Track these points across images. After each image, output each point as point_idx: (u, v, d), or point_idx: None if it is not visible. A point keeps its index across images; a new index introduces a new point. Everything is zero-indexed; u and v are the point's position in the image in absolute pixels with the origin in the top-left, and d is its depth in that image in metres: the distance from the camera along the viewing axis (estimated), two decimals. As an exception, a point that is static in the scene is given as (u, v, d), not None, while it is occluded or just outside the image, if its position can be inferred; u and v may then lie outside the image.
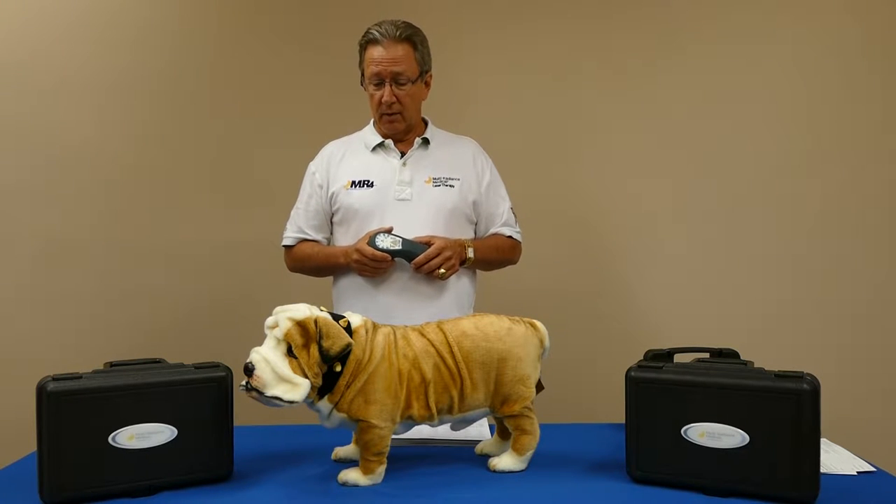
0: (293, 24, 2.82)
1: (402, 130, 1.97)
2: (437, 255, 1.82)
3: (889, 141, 2.77)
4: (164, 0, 2.76)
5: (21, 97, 2.67)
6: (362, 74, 1.96)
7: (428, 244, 1.83)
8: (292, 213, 2.05)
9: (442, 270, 1.83)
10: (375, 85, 1.91)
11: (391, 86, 1.89)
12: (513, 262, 2.09)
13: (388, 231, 1.83)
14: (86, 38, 2.71)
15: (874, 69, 2.77)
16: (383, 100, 1.89)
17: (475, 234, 2.03)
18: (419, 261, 1.82)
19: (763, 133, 2.80)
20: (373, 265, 1.83)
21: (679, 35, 2.82)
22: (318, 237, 2.01)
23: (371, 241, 1.81)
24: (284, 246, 2.05)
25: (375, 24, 1.90)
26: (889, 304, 2.77)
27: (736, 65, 2.80)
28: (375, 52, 1.89)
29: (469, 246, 1.92)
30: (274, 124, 2.80)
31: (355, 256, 1.84)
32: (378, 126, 1.99)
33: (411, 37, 1.92)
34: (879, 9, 2.76)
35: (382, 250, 1.80)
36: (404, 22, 1.92)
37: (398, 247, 1.81)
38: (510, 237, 2.04)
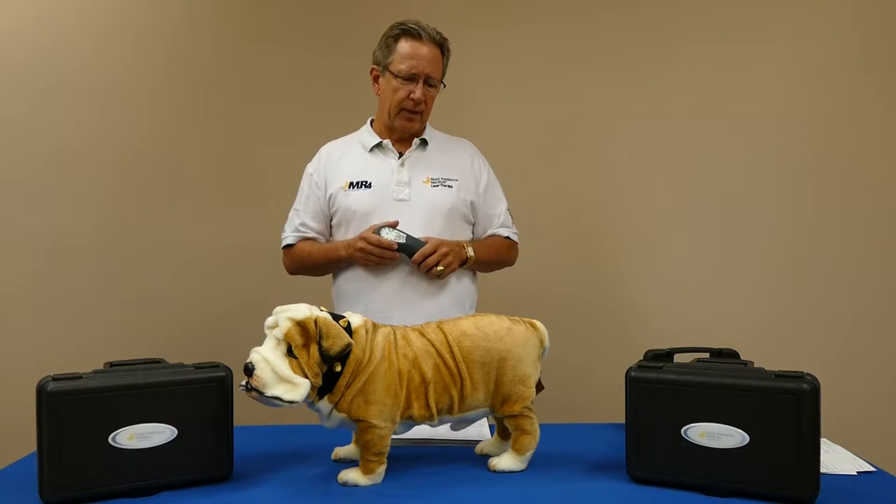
0: (293, 24, 2.82)
1: (415, 131, 1.97)
2: (434, 251, 1.82)
3: (889, 141, 2.77)
4: (164, 0, 2.76)
5: (21, 97, 2.67)
6: (385, 66, 1.92)
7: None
8: (290, 214, 2.04)
9: (440, 268, 1.83)
10: (407, 79, 1.89)
11: (423, 85, 1.89)
12: (510, 263, 2.10)
13: (393, 225, 1.83)
14: (86, 38, 2.71)
15: (874, 69, 2.77)
16: (415, 97, 1.88)
17: (473, 234, 2.03)
18: (416, 258, 1.82)
19: (763, 133, 2.80)
20: (378, 252, 1.81)
21: (679, 36, 2.82)
22: (318, 236, 2.01)
23: (376, 233, 1.82)
24: (285, 246, 2.04)
25: (410, 21, 1.89)
26: (889, 304, 2.77)
27: (736, 65, 2.80)
28: (413, 48, 1.88)
29: (468, 246, 1.92)
30: (274, 124, 2.81)
31: (360, 245, 1.83)
32: (388, 120, 1.96)
33: (443, 44, 1.94)
34: (879, 9, 2.76)
35: None
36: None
37: (402, 240, 1.81)
38: (507, 238, 2.05)
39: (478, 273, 2.05)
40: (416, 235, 1.84)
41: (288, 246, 2.03)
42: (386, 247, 1.80)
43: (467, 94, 2.78)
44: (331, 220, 1.99)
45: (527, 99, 2.85)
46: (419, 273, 1.87)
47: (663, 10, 2.82)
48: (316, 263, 1.98)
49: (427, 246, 1.82)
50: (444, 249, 1.84)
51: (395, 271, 1.88)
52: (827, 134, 2.79)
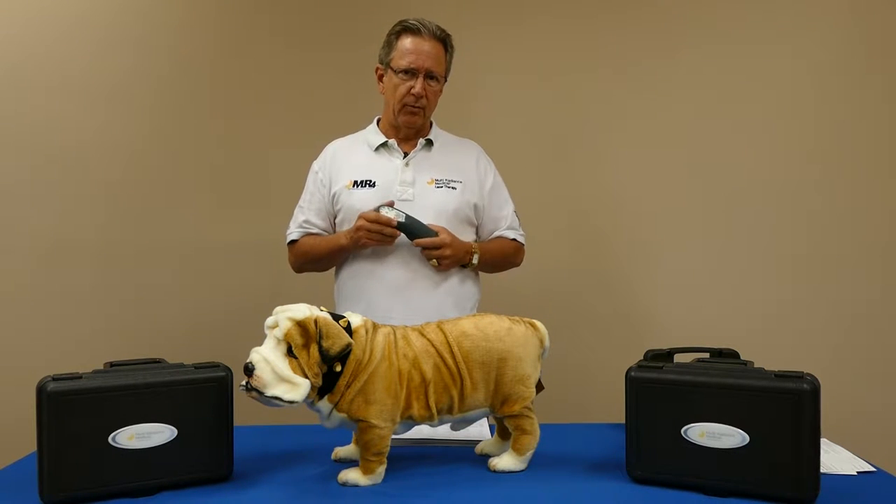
0: (294, 23, 2.82)
1: (417, 127, 1.97)
2: (438, 248, 1.83)
3: (889, 141, 2.77)
4: (165, 0, 2.76)
5: (22, 97, 2.67)
6: (387, 64, 1.93)
7: (437, 233, 1.85)
8: (295, 211, 2.04)
9: (434, 262, 1.85)
10: (406, 74, 1.89)
11: (423, 80, 1.89)
12: (516, 264, 2.10)
13: (390, 205, 1.83)
14: (86, 38, 2.71)
15: (875, 69, 2.77)
16: (414, 91, 1.88)
17: (477, 236, 2.03)
18: (421, 242, 1.82)
19: (763, 133, 2.80)
20: (377, 228, 1.81)
21: (681, 35, 2.82)
22: (321, 233, 2.01)
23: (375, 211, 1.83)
24: (290, 242, 2.04)
25: (412, 18, 1.90)
26: (889, 304, 2.77)
27: (737, 65, 2.80)
28: (413, 44, 1.88)
29: (475, 252, 1.92)
30: (275, 124, 2.81)
31: (359, 223, 1.83)
32: (392, 118, 1.96)
33: (446, 39, 1.94)
34: (880, 9, 2.76)
35: None
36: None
37: (402, 219, 1.81)
38: (514, 240, 2.05)
39: (480, 274, 2.05)
40: (428, 223, 1.84)
41: (292, 242, 2.03)
42: (384, 223, 1.80)
43: (468, 95, 2.77)
44: (335, 217, 1.99)
45: (528, 99, 2.85)
46: (420, 274, 1.88)
47: (666, 10, 2.82)
48: (319, 256, 1.98)
49: (435, 239, 1.83)
50: (447, 252, 1.85)
51: (395, 270, 1.88)
52: (827, 133, 2.79)
